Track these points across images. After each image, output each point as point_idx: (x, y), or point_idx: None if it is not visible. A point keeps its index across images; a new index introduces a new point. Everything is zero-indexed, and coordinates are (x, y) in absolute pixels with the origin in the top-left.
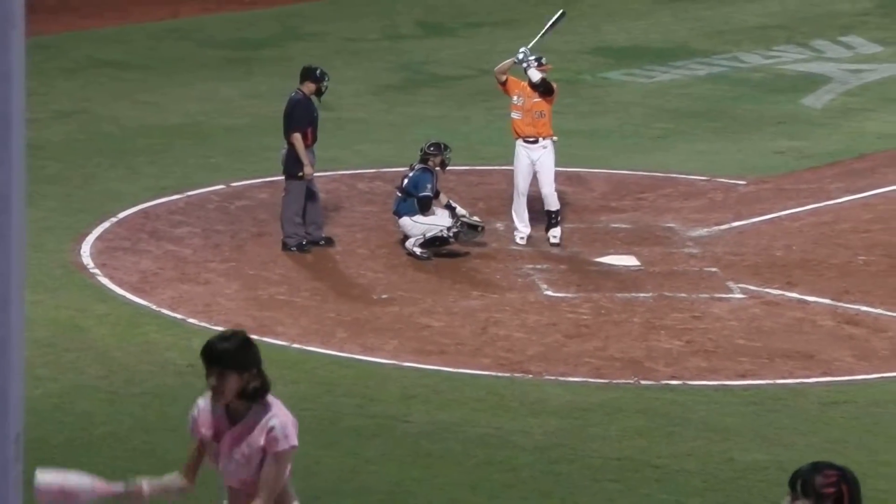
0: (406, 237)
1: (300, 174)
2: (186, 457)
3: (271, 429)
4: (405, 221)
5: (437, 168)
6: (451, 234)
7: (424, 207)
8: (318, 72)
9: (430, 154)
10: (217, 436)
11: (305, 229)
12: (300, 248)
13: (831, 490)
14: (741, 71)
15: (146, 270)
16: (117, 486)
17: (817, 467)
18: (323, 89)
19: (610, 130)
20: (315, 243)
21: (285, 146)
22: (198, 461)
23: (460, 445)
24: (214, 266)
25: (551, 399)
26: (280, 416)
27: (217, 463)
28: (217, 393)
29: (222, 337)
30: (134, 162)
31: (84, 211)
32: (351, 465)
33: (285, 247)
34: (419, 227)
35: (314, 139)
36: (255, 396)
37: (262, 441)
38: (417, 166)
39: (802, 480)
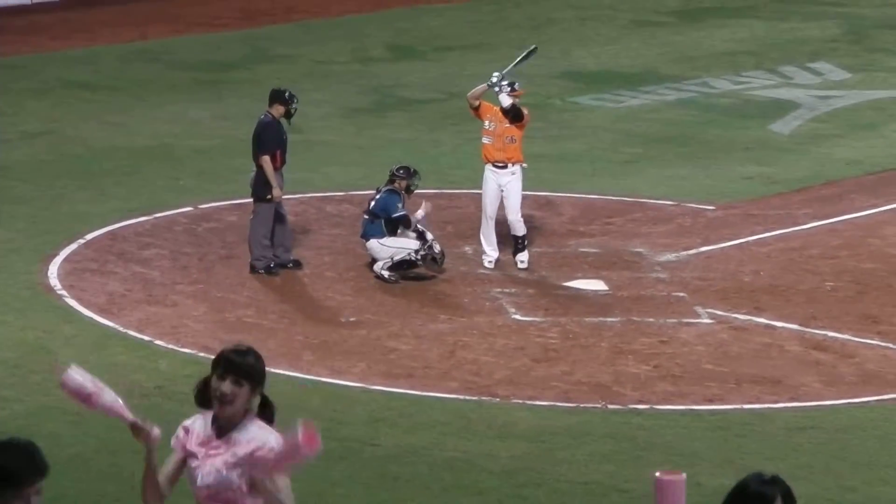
0: (374, 260)
1: (269, 196)
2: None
3: (263, 443)
4: (373, 244)
5: (403, 192)
6: (418, 257)
7: (404, 225)
8: (286, 94)
9: (397, 176)
10: (200, 450)
11: (274, 252)
12: (268, 270)
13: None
14: (710, 96)
15: (113, 292)
16: (130, 416)
17: (778, 482)
18: (292, 111)
19: (579, 155)
20: (283, 266)
21: (254, 169)
22: (177, 474)
23: (427, 469)
24: (182, 288)
25: (518, 423)
26: (274, 436)
27: (194, 479)
28: (226, 402)
29: (239, 349)
30: (102, 183)
31: (51, 232)
32: (318, 489)
33: (253, 269)
34: (387, 250)
35: (283, 162)
36: (272, 416)
37: (243, 453)
38: (384, 188)
39: (784, 495)
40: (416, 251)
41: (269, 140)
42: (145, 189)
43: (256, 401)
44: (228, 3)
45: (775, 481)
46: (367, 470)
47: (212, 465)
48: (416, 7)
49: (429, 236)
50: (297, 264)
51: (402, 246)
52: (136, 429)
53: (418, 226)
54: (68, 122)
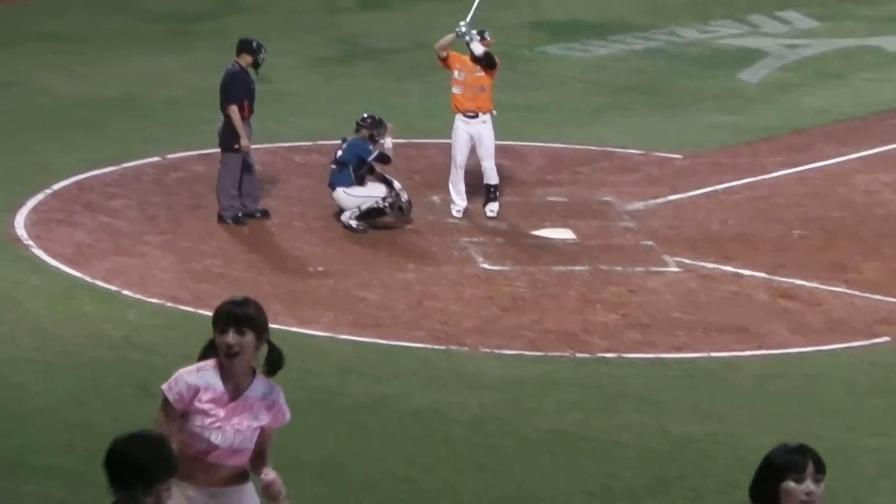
0: (341, 210)
1: (236, 146)
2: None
3: (274, 402)
4: (339, 194)
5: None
6: (386, 205)
7: (383, 161)
8: (254, 44)
9: (364, 125)
10: (214, 409)
11: (241, 202)
12: (236, 220)
13: None
14: (678, 45)
15: (81, 242)
16: None
17: (804, 448)
18: (259, 61)
19: (547, 104)
20: (251, 216)
21: (222, 119)
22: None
23: (396, 419)
24: (150, 238)
25: (487, 372)
26: (278, 389)
27: (207, 438)
28: (234, 354)
29: (237, 301)
30: (69, 134)
31: (18, 183)
32: (286, 439)
33: (221, 219)
34: (353, 199)
35: (251, 112)
36: (273, 369)
37: (265, 416)
38: (350, 137)
39: (815, 460)
40: (384, 198)
41: (236, 90)
42: (113, 140)
43: (263, 350)
44: None
45: (803, 449)
46: (336, 420)
47: (234, 426)
48: None
49: (396, 185)
50: (265, 214)
51: (369, 194)
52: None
53: (386, 176)
54: (35, 73)
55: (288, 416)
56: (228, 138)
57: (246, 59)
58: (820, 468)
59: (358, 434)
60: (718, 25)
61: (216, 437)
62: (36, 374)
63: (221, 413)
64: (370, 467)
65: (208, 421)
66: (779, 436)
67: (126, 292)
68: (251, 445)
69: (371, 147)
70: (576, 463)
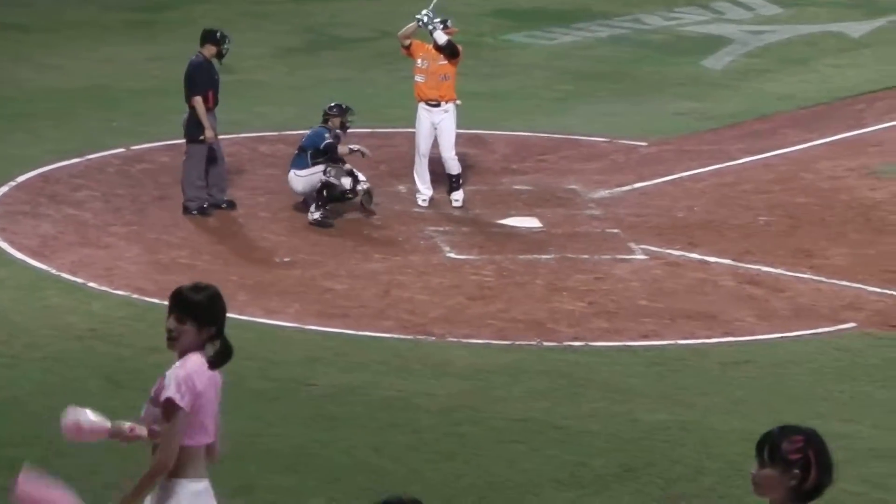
0: (305, 201)
1: (201, 137)
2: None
3: (166, 384)
4: (290, 176)
5: (338, 130)
6: (349, 193)
7: (331, 152)
8: (218, 34)
9: (330, 115)
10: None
11: (208, 191)
12: (201, 211)
13: (797, 456)
14: (642, 33)
15: (46, 234)
16: (107, 426)
17: (784, 432)
18: (224, 52)
19: (512, 92)
20: (217, 206)
21: (187, 110)
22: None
23: (364, 408)
24: (115, 230)
25: (454, 361)
26: (181, 369)
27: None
28: (171, 339)
29: (195, 287)
30: (34, 126)
31: None
32: (254, 429)
33: (186, 210)
34: (300, 180)
35: (216, 102)
36: (218, 362)
37: (157, 388)
38: (318, 126)
39: (770, 447)
40: (350, 190)
41: (200, 81)
42: (79, 131)
43: (214, 344)
44: None
45: (766, 435)
46: (303, 410)
47: (150, 403)
48: None
49: (361, 177)
50: (231, 205)
51: (315, 171)
52: (116, 433)
53: (349, 167)
54: (1, 64)
55: (165, 393)
56: (193, 129)
57: (210, 50)
58: (773, 458)
59: (326, 424)
60: (682, 12)
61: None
62: (2, 367)
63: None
64: (339, 457)
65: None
66: (746, 423)
67: (92, 284)
68: (155, 423)
69: (328, 135)
70: (544, 451)
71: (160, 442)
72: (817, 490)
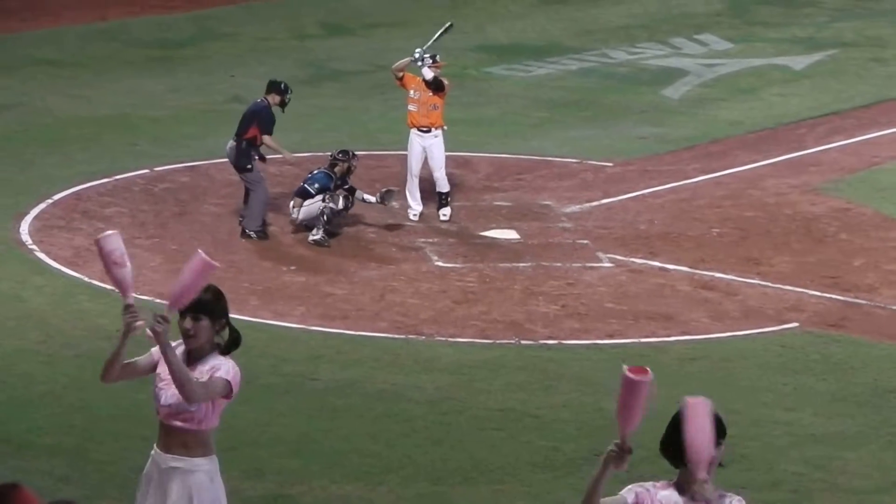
0: (307, 228)
1: (248, 167)
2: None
3: (219, 367)
4: (292, 205)
5: (344, 174)
6: (350, 204)
7: (301, 194)
8: (283, 85)
9: (338, 160)
10: (166, 372)
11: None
12: (261, 234)
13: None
14: (608, 66)
15: (79, 246)
16: (130, 298)
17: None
18: (286, 101)
19: (493, 119)
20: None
21: (233, 142)
22: (136, 372)
23: (361, 400)
24: (140, 242)
25: (441, 358)
26: (230, 364)
27: (159, 398)
28: (190, 337)
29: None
30: (67, 150)
31: (23, 193)
32: (265, 419)
33: (248, 233)
34: (303, 210)
35: (261, 142)
36: (229, 347)
37: (205, 378)
38: (324, 169)
39: (720, 429)
40: (344, 208)
41: (269, 121)
42: (106, 154)
43: (225, 333)
44: None
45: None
46: (308, 401)
47: (172, 390)
48: None
49: (359, 194)
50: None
51: (314, 201)
52: (129, 309)
53: (343, 191)
54: (36, 95)
55: (223, 374)
56: (244, 160)
57: (274, 99)
58: (723, 434)
59: (328, 414)
60: (644, 47)
61: (163, 398)
62: (40, 364)
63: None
64: (339, 443)
65: (161, 384)
66: None
67: None
68: (192, 411)
69: (323, 184)
70: (521, 437)
71: (201, 387)
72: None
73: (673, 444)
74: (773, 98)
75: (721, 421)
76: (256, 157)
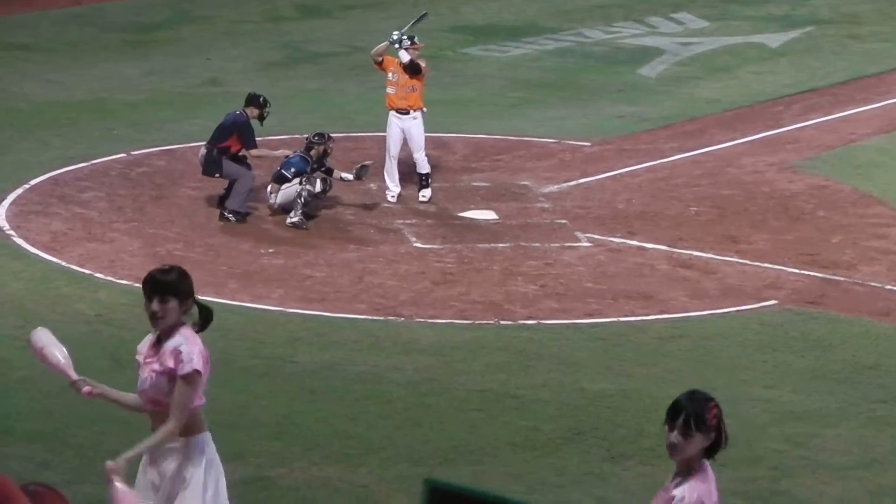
0: (285, 211)
1: (217, 174)
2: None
3: (179, 352)
4: (269, 190)
5: (320, 156)
6: (328, 186)
7: (278, 180)
8: (262, 99)
9: (313, 143)
10: (141, 357)
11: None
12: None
13: (715, 421)
14: (585, 45)
15: (56, 231)
16: (72, 374)
17: (697, 400)
18: (265, 115)
19: (470, 100)
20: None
21: (205, 150)
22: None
23: (341, 382)
24: (118, 226)
25: (421, 339)
26: (189, 343)
27: (138, 382)
28: (158, 318)
29: (162, 269)
30: (43, 135)
31: None
32: (243, 401)
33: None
34: (281, 194)
35: (240, 150)
36: (204, 325)
37: (171, 363)
38: (300, 152)
39: (695, 417)
40: (322, 191)
41: (250, 136)
42: (83, 139)
43: (193, 312)
44: None
45: (686, 401)
46: (288, 384)
47: (148, 372)
48: None
49: (337, 173)
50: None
51: (292, 185)
52: (73, 385)
53: (320, 173)
54: (11, 80)
55: (188, 367)
56: (213, 168)
57: (253, 112)
58: (698, 424)
59: (307, 396)
60: (620, 27)
61: (139, 384)
62: (18, 350)
63: (142, 360)
64: (319, 425)
65: (138, 369)
66: (680, 389)
67: (98, 275)
68: (162, 394)
69: (298, 168)
70: (501, 418)
71: (175, 408)
72: (719, 446)
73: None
74: (750, 76)
75: (699, 413)
76: (229, 160)
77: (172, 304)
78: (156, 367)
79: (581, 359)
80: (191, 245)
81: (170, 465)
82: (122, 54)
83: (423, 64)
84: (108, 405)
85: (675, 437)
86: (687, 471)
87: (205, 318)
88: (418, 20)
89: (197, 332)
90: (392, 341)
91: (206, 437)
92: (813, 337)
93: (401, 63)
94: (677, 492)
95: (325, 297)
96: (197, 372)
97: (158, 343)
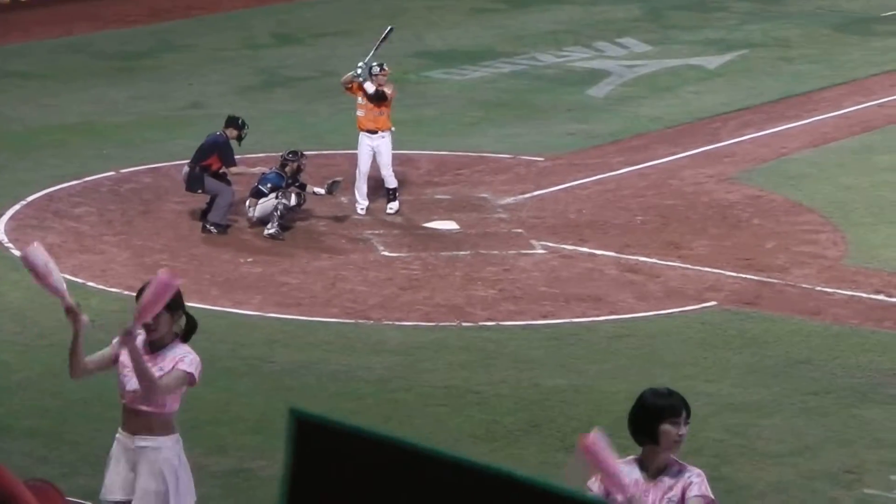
0: (262, 223)
1: (199, 190)
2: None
3: (182, 358)
4: (247, 205)
5: (294, 174)
6: (303, 200)
7: (255, 195)
8: (240, 121)
9: (288, 160)
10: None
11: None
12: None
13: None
14: (538, 68)
15: (51, 243)
16: (69, 301)
17: (676, 394)
18: (243, 136)
19: (432, 119)
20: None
21: (187, 168)
22: (102, 365)
23: (315, 380)
24: (108, 238)
25: (389, 340)
26: (193, 355)
27: (124, 385)
28: (152, 330)
29: None
30: (39, 155)
31: None
32: (226, 399)
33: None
34: (259, 208)
35: (221, 167)
36: (188, 335)
37: (170, 366)
38: (275, 169)
39: (687, 408)
40: (297, 204)
41: (230, 155)
42: (75, 158)
43: (182, 322)
44: (138, 3)
45: (676, 396)
46: (266, 383)
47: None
48: (294, 2)
49: (310, 188)
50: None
51: (268, 199)
52: (70, 312)
53: (295, 187)
54: (8, 105)
55: (190, 367)
56: (196, 185)
57: (232, 133)
58: (689, 413)
59: (284, 394)
60: (570, 51)
61: (128, 384)
62: (16, 353)
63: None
64: None
65: (125, 371)
66: (629, 385)
67: (90, 283)
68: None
69: (275, 184)
70: (464, 412)
71: (164, 381)
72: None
73: (635, 423)
74: (690, 95)
75: (688, 404)
76: (210, 177)
77: (164, 315)
78: (156, 371)
79: (537, 357)
80: (176, 255)
81: (144, 463)
82: (111, 80)
83: (388, 91)
84: (101, 406)
85: (685, 429)
86: (675, 459)
87: (189, 328)
88: (384, 38)
89: (182, 341)
90: (362, 342)
91: (177, 436)
92: (750, 335)
93: (365, 94)
94: (693, 477)
95: (301, 302)
96: (193, 377)
97: (153, 351)
